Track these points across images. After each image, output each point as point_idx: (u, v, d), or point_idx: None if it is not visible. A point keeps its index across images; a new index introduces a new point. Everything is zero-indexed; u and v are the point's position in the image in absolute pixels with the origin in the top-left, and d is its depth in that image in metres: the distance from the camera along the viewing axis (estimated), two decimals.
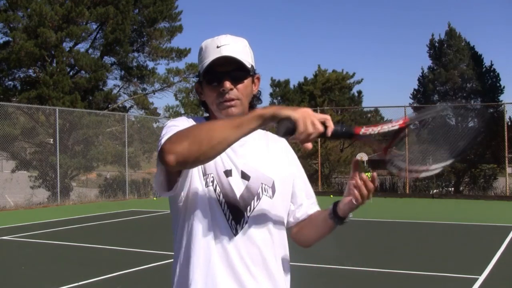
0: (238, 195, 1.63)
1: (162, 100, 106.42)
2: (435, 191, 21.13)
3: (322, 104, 26.74)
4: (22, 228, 11.24)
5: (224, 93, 1.63)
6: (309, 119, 1.41)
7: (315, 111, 1.56)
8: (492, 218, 12.80)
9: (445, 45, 24.42)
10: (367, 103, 78.66)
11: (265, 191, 1.68)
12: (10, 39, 19.18)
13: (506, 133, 18.78)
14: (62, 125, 18.04)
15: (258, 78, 1.76)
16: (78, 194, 19.14)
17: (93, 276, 6.51)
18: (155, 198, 19.64)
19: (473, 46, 24.27)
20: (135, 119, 22.93)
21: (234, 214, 1.62)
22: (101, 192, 20.34)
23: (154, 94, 23.56)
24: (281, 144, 1.82)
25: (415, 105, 24.58)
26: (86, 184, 26.32)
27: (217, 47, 1.64)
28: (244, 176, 1.66)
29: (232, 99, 1.64)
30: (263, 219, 1.66)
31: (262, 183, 1.68)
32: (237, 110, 1.65)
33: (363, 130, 1.48)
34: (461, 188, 22.35)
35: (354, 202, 1.63)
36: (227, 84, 1.62)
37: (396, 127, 1.49)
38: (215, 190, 1.62)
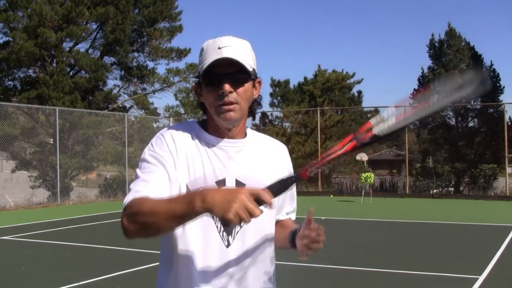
0: None
1: (162, 100, 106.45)
2: (435, 191, 21.14)
3: (322, 104, 26.74)
4: (22, 228, 11.24)
5: (223, 96, 1.57)
6: (233, 209, 1.29)
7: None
8: (492, 218, 12.80)
9: (445, 45, 24.39)
10: (367, 103, 78.67)
11: None
12: (10, 39, 19.18)
13: (506, 133, 18.79)
14: (62, 125, 18.04)
15: (260, 82, 1.70)
16: (78, 194, 19.14)
17: (93, 276, 6.51)
18: None
19: (473, 46, 24.25)
20: (135, 119, 22.94)
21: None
22: (101, 192, 20.34)
23: (154, 94, 23.58)
24: (280, 149, 1.80)
25: (415, 105, 24.52)
26: (86, 184, 26.32)
27: (218, 48, 1.58)
28: (238, 185, 1.61)
29: (231, 103, 1.58)
30: (256, 229, 1.63)
31: None
32: (235, 115, 1.59)
33: (312, 169, 1.46)
34: (461, 188, 22.35)
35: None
36: (227, 87, 1.56)
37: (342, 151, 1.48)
38: None
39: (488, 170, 21.70)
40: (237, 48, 1.59)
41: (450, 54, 24.06)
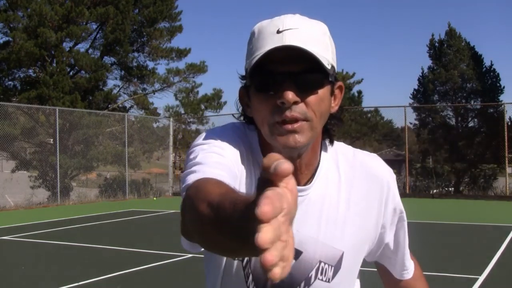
0: None
1: (162, 100, 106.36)
2: (435, 191, 21.14)
3: None
4: (22, 228, 11.24)
5: (284, 108, 1.00)
6: None
7: None
8: (492, 218, 12.79)
9: (445, 45, 24.40)
10: (367, 103, 78.65)
11: (321, 274, 1.13)
12: (10, 39, 19.19)
13: (506, 133, 18.79)
14: (62, 125, 18.04)
15: (341, 88, 1.16)
16: (78, 194, 19.15)
17: (93, 276, 6.50)
18: (155, 198, 19.64)
19: (473, 46, 24.26)
20: (135, 119, 22.94)
21: None
22: (101, 192, 20.34)
23: (154, 94, 23.60)
24: (378, 180, 1.19)
25: (415, 105, 24.58)
26: (86, 184, 26.32)
27: (278, 32, 1.00)
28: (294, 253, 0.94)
29: (296, 120, 1.00)
30: None
31: (320, 262, 1.12)
32: (302, 139, 1.02)
33: None
34: (461, 188, 22.35)
35: None
36: (290, 95, 0.98)
37: None
38: (244, 268, 1.11)
39: (488, 170, 21.72)
40: (307, 33, 1.02)
41: (450, 54, 24.06)
